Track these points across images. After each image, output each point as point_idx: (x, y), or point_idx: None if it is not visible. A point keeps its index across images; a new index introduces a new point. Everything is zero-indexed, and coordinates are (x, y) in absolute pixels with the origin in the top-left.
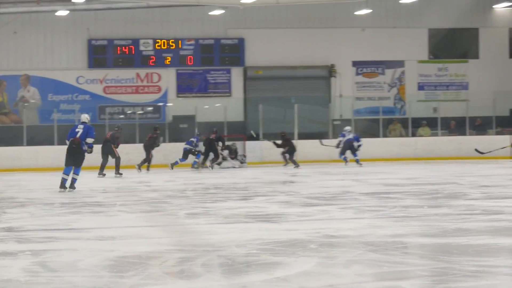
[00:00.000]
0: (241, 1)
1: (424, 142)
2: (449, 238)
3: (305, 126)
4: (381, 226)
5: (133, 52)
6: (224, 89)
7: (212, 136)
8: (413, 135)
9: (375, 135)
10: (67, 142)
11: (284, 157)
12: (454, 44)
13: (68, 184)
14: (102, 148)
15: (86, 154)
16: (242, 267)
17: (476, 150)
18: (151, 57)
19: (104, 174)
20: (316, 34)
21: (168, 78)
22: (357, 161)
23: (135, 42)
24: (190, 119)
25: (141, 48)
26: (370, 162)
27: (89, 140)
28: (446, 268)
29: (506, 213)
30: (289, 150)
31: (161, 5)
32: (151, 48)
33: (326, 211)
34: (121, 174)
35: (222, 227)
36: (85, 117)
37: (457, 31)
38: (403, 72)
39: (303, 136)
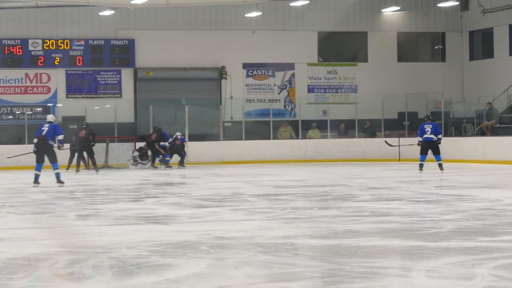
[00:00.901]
0: (131, 2)
1: (314, 145)
2: (339, 240)
3: (196, 127)
4: (272, 227)
5: (21, 52)
6: (115, 90)
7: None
8: (303, 137)
9: (265, 137)
10: (35, 141)
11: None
12: (343, 47)
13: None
14: (79, 147)
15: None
16: (132, 268)
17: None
18: (40, 57)
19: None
20: (206, 36)
21: (57, 78)
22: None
23: (24, 42)
24: (80, 120)
25: (30, 48)
26: (260, 164)
27: (60, 137)
28: (336, 269)
29: (394, 214)
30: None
31: (51, 5)
32: (40, 48)
33: (216, 213)
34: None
35: (113, 229)
36: (51, 117)
37: (346, 34)
38: (293, 75)
39: (193, 137)
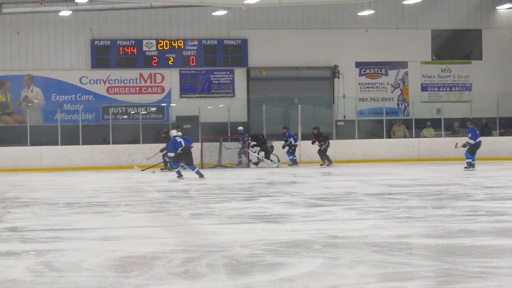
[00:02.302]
0: (244, 2)
1: (428, 143)
2: (453, 239)
3: (309, 126)
4: (385, 227)
5: (136, 53)
6: (227, 89)
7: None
8: (417, 136)
9: (378, 136)
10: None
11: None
12: (457, 45)
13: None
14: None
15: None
16: (246, 267)
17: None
18: (154, 57)
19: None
20: (319, 35)
21: (171, 78)
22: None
23: (138, 42)
24: (193, 119)
25: (144, 48)
26: (373, 163)
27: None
28: (450, 269)
29: (510, 214)
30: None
31: (164, 6)
32: (154, 48)
33: (330, 212)
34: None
35: (226, 228)
36: (175, 132)
37: (460, 32)
38: (406, 73)
39: (306, 137)
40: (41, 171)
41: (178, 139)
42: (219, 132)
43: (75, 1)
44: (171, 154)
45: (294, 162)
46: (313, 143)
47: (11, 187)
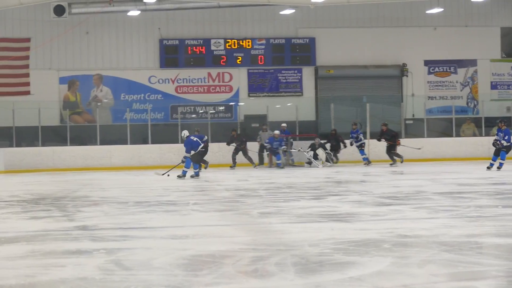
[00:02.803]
0: (312, 1)
1: None
2: None
3: (377, 125)
4: (455, 226)
5: (204, 52)
6: (295, 88)
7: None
8: (487, 134)
9: (447, 134)
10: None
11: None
12: None
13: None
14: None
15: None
16: (315, 266)
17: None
18: (222, 56)
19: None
20: (387, 33)
21: (239, 77)
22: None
23: (206, 42)
24: (261, 118)
25: (212, 47)
26: (442, 161)
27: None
28: None
29: None
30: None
31: (232, 5)
32: (222, 48)
33: (399, 211)
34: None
35: (295, 226)
36: (187, 132)
37: None
38: (475, 71)
39: (375, 135)
40: (110, 170)
41: (194, 139)
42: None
43: (144, 1)
44: (188, 155)
45: (367, 161)
46: (379, 140)
47: (81, 186)
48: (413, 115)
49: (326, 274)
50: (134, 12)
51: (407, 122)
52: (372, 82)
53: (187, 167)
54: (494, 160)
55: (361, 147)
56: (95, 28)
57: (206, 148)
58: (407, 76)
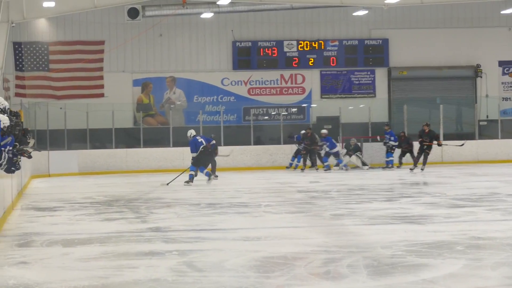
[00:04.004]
0: (385, 2)
1: None
2: None
3: (451, 126)
4: None
5: (277, 54)
6: (368, 89)
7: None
8: None
9: None
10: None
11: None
12: None
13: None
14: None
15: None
16: (388, 268)
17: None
18: (295, 58)
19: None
20: (461, 34)
21: (311, 79)
22: None
23: (279, 43)
24: (334, 120)
25: (285, 49)
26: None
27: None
28: None
29: None
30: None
31: (305, 7)
32: (294, 49)
33: (472, 213)
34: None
35: (367, 228)
36: (193, 132)
37: None
38: None
39: (448, 137)
40: (183, 171)
41: (199, 139)
42: (361, 133)
43: (217, 3)
44: (194, 154)
45: (390, 164)
46: (420, 142)
47: (154, 188)
48: (487, 117)
49: (399, 276)
50: (207, 14)
51: (481, 123)
52: (445, 83)
53: (192, 170)
54: None
55: (390, 150)
56: (169, 30)
57: (207, 150)
58: (481, 77)
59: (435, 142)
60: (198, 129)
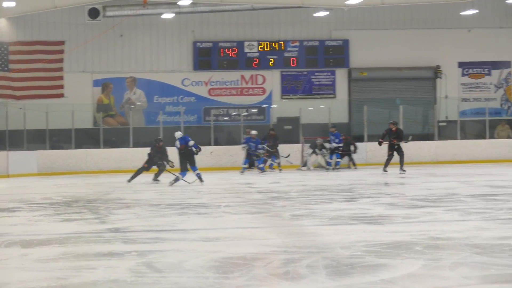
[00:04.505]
0: (345, 2)
1: None
2: None
3: (410, 127)
4: (488, 228)
5: (237, 54)
6: (329, 90)
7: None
8: None
9: (481, 136)
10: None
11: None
12: None
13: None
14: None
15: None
16: (347, 269)
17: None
18: (255, 59)
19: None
20: (421, 35)
21: (272, 79)
22: None
23: (240, 44)
24: (294, 120)
25: (246, 50)
26: (476, 163)
27: (191, 143)
28: None
29: None
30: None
31: (266, 7)
32: (255, 50)
33: (431, 213)
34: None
35: (327, 229)
36: (179, 134)
37: None
38: (510, 73)
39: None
40: (143, 172)
41: (176, 142)
42: (321, 133)
43: (178, 3)
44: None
45: (337, 165)
46: (390, 142)
47: (114, 189)
48: (447, 117)
49: (358, 276)
50: (168, 15)
51: (441, 124)
52: (405, 84)
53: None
54: None
55: (336, 151)
56: (129, 31)
57: (181, 151)
58: (440, 78)
59: (404, 141)
60: (157, 130)
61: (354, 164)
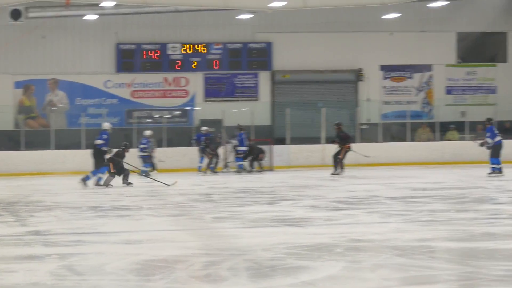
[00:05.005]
0: (269, 5)
1: (452, 147)
2: (476, 243)
3: (333, 130)
4: (408, 230)
5: (160, 56)
6: (252, 93)
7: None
8: (441, 139)
9: (402, 139)
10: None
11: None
12: (482, 48)
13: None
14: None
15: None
16: (268, 271)
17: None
18: (178, 61)
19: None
20: (344, 38)
21: (195, 82)
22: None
23: (163, 46)
24: (217, 123)
25: (169, 52)
26: (397, 166)
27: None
28: (473, 272)
29: None
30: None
31: (189, 10)
32: (178, 52)
33: (352, 215)
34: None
35: (248, 231)
36: (107, 125)
37: (485, 35)
38: (431, 76)
39: (330, 140)
40: (64, 174)
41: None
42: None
43: (100, 5)
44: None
45: (240, 168)
46: (332, 142)
47: (35, 191)
48: (369, 120)
49: (279, 278)
50: (91, 16)
51: (362, 126)
52: (328, 87)
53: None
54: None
55: (237, 154)
56: (52, 32)
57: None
58: (362, 81)
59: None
60: (80, 132)
61: (258, 167)
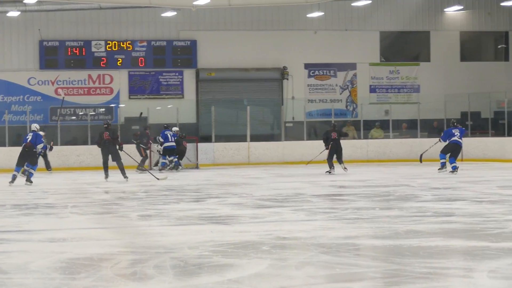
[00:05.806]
0: (193, 3)
1: (376, 145)
2: (400, 240)
3: (258, 128)
4: (333, 228)
5: (84, 54)
6: (176, 90)
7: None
8: (365, 137)
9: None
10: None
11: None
12: (405, 47)
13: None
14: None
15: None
16: (194, 269)
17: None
18: (103, 58)
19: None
20: (268, 36)
21: (120, 79)
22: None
23: (87, 43)
24: (142, 120)
25: (93, 49)
26: (322, 164)
27: (39, 146)
28: (397, 270)
29: (457, 215)
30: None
31: (113, 7)
32: (102, 49)
33: (278, 213)
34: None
35: (175, 229)
36: (34, 126)
37: (408, 34)
38: (355, 75)
39: (255, 138)
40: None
41: (28, 136)
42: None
43: (23, 1)
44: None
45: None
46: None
47: None
48: (293, 118)
49: (205, 276)
50: (13, 13)
51: (287, 125)
52: (253, 85)
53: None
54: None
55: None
56: None
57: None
58: (287, 79)
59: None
60: (3, 130)
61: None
